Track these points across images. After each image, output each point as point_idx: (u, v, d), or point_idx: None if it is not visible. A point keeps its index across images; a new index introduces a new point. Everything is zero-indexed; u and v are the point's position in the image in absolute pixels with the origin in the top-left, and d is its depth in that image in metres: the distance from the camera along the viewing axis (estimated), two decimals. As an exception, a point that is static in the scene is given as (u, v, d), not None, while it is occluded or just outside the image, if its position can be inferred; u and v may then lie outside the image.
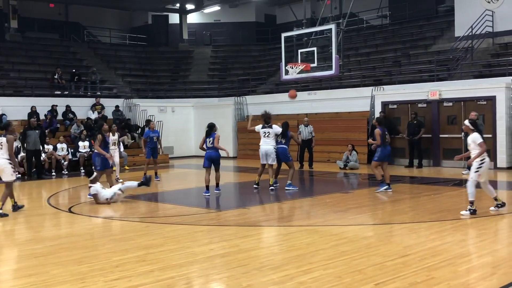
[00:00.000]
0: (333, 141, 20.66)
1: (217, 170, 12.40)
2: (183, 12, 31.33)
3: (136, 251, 7.18)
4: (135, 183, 12.07)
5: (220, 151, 12.28)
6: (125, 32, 32.49)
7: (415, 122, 17.95)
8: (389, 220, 8.98)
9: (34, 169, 17.63)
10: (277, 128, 12.81)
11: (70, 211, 10.66)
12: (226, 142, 24.38)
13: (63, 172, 18.53)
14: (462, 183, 13.09)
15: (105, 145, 12.40)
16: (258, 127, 13.02)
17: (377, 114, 19.24)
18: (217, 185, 12.49)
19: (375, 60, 23.81)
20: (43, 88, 23.47)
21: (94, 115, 22.78)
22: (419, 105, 18.58)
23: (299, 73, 16.42)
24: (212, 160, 12.27)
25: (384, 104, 19.47)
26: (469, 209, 9.09)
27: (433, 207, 10.24)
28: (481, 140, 9.09)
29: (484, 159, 9.06)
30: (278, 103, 23.37)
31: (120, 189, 11.63)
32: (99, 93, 24.30)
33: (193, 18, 32.34)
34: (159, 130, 22.33)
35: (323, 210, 10.07)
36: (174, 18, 32.16)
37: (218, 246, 7.35)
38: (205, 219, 9.58)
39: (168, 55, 31.04)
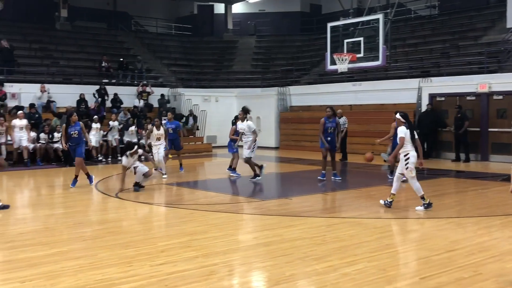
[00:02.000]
0: (377, 133, 20.28)
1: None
2: (228, 2, 31.41)
3: (180, 237, 7.29)
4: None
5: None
6: (171, 22, 32.85)
7: (458, 115, 17.49)
8: (435, 215, 8.80)
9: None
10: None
11: (117, 196, 10.89)
12: (268, 132, 24.46)
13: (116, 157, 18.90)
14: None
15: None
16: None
17: (424, 107, 18.85)
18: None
19: (422, 51, 23.28)
20: (91, 76, 24.01)
21: (140, 103, 23.17)
22: (468, 98, 18.08)
23: (345, 63, 16.20)
24: None
25: (432, 96, 19.03)
26: None
27: (480, 202, 9.98)
28: None
29: None
30: (322, 94, 23.24)
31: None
32: (145, 81, 24.69)
33: (238, 8, 32.39)
34: (199, 120, 22.61)
35: (367, 203, 9.96)
36: (219, 8, 32.28)
37: (261, 235, 7.38)
38: (248, 208, 9.63)
39: (212, 45, 31.22)
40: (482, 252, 6.34)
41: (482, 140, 17.66)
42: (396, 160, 9.60)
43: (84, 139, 12.29)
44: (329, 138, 12.61)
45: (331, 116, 12.57)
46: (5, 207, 9.34)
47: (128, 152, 11.39)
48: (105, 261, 6.10)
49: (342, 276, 5.47)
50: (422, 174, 12.45)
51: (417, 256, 6.20)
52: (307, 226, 8.04)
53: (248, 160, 13.03)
